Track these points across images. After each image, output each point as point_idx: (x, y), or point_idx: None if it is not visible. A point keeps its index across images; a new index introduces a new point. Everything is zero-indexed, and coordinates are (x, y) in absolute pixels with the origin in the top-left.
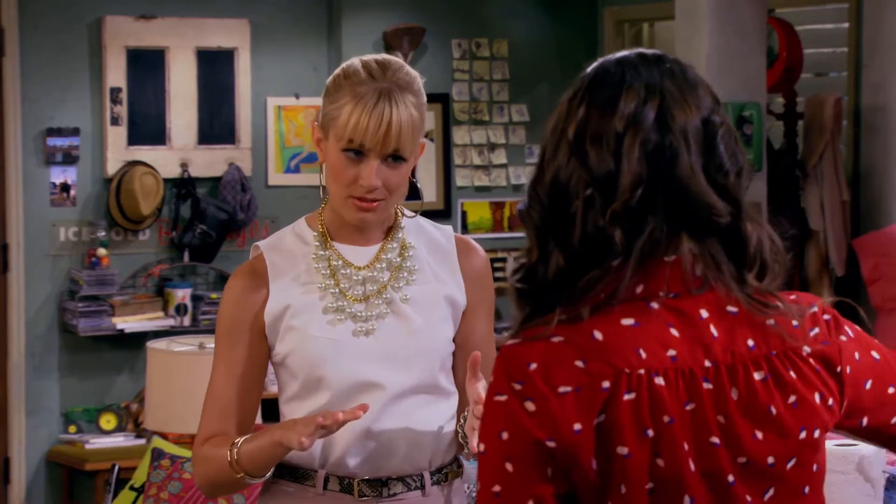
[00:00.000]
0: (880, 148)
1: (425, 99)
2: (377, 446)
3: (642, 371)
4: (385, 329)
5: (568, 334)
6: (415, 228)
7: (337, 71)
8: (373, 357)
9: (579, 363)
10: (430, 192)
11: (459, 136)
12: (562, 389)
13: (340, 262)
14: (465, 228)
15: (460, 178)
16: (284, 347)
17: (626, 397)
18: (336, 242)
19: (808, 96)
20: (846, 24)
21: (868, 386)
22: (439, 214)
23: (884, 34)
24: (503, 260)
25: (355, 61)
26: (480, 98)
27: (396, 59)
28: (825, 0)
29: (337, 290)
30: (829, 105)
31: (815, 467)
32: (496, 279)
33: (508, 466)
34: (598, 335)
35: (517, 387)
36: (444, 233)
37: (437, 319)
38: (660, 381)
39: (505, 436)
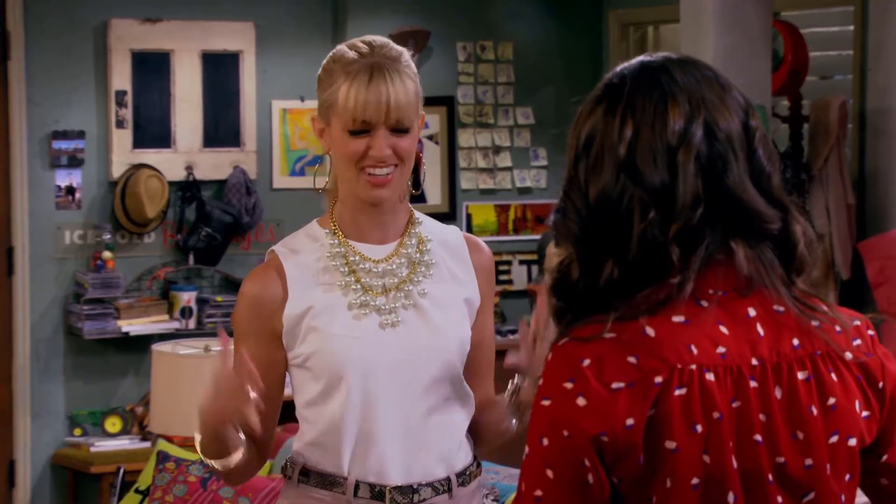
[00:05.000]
0: (885, 151)
1: (416, 70)
2: (408, 452)
3: (693, 366)
4: (407, 324)
5: (619, 331)
6: (428, 226)
7: (326, 59)
8: (397, 354)
9: (632, 359)
10: (435, 195)
11: (464, 138)
12: (615, 385)
13: (358, 258)
14: (469, 231)
15: (465, 181)
16: (306, 349)
17: (677, 392)
18: (351, 241)
19: (813, 99)
20: (851, 27)
21: None
22: (444, 217)
23: (889, 37)
24: (508, 263)
25: (342, 46)
26: (485, 101)
27: (382, 37)
28: (831, 3)
29: (359, 286)
30: (834, 108)
31: (847, 477)
32: (500, 282)
33: (549, 473)
34: (650, 331)
35: (568, 385)
36: (453, 232)
37: (456, 319)
38: (710, 376)
39: (545, 441)
